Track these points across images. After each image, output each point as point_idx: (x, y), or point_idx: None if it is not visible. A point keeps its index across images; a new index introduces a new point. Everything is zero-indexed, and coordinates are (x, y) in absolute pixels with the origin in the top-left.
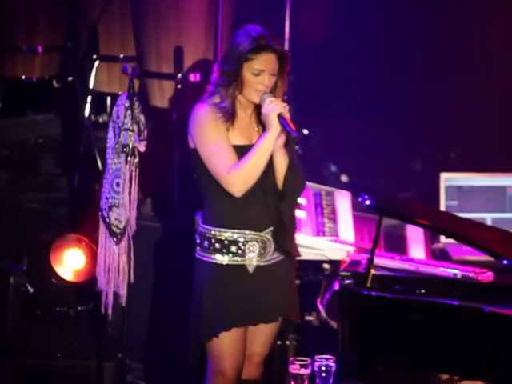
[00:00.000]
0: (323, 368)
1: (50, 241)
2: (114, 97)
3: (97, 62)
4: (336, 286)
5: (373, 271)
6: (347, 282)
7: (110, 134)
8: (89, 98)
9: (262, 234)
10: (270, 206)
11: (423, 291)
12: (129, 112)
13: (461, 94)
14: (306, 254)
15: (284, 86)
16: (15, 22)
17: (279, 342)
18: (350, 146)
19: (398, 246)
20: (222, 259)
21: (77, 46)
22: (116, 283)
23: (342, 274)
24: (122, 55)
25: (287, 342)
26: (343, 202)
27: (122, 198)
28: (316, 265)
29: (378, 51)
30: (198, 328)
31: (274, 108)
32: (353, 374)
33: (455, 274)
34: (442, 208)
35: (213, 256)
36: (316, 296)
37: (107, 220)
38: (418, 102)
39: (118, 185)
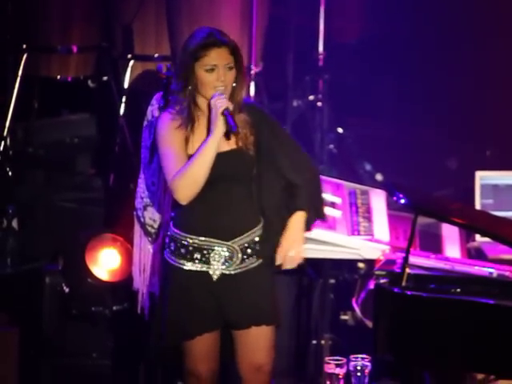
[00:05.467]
0: (358, 367)
1: (86, 240)
2: (149, 96)
3: (132, 62)
4: (371, 285)
5: (408, 270)
6: (382, 281)
7: (145, 134)
8: (124, 98)
9: (228, 243)
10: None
11: (458, 290)
12: None
13: (496, 91)
14: (340, 253)
15: (244, 80)
16: (50, 22)
17: (314, 342)
18: (384, 144)
19: (434, 244)
20: (187, 264)
21: (112, 46)
22: (151, 283)
23: (377, 273)
24: (156, 55)
25: (322, 342)
26: (378, 200)
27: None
28: (351, 264)
29: (413, 50)
30: (161, 330)
31: (219, 105)
32: (388, 374)
33: (491, 273)
34: (478, 206)
35: (178, 260)
36: (351, 295)
37: (142, 220)
38: (453, 101)
39: (153, 184)
